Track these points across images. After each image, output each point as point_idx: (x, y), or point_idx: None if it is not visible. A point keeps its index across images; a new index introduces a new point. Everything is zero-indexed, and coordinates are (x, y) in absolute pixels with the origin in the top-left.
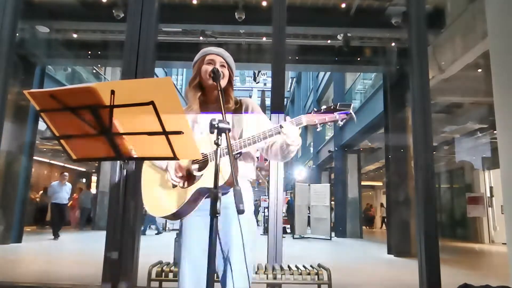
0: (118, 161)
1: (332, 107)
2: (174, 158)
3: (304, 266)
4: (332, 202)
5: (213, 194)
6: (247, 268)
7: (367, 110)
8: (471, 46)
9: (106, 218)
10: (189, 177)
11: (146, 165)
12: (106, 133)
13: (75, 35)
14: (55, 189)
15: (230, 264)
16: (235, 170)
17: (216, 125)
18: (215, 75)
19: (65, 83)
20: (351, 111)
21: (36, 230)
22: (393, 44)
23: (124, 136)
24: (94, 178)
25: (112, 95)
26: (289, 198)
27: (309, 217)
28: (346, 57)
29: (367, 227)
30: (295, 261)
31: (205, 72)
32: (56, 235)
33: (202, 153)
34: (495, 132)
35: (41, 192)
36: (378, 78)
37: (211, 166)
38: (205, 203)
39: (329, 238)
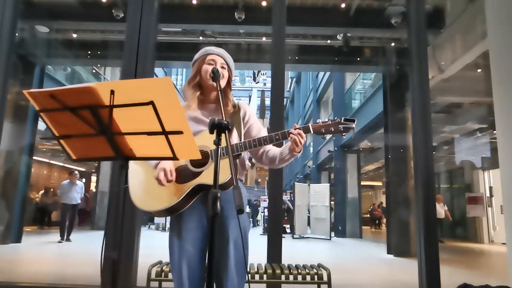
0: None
1: (337, 120)
2: (174, 158)
3: (304, 266)
4: (332, 202)
5: (213, 193)
6: (246, 266)
7: (367, 110)
8: (471, 46)
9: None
10: (187, 173)
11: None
12: (106, 133)
13: (74, 35)
14: (65, 189)
15: (225, 263)
16: (235, 170)
17: (216, 125)
18: (215, 75)
19: (65, 83)
20: (354, 126)
21: (36, 230)
22: (392, 44)
23: (123, 136)
24: (94, 178)
25: (112, 95)
26: (288, 198)
27: (309, 217)
28: (345, 57)
29: (373, 228)
30: (295, 261)
31: (205, 72)
32: (63, 237)
33: (202, 150)
34: (494, 132)
35: (41, 192)
36: (378, 78)
37: (211, 164)
38: (198, 201)
39: (329, 238)
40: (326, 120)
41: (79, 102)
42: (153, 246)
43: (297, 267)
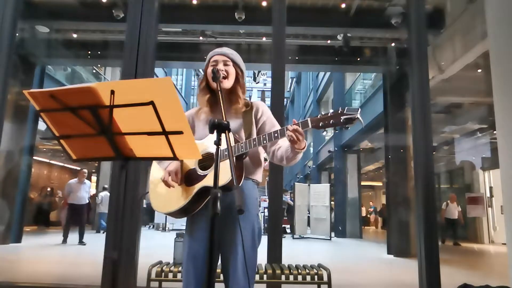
0: (118, 161)
1: (339, 111)
2: (174, 158)
3: (304, 266)
4: (332, 202)
5: (213, 194)
6: (247, 269)
7: (367, 110)
8: (471, 46)
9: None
10: (194, 176)
11: (155, 162)
12: (106, 133)
13: (75, 35)
14: (72, 188)
15: (232, 264)
16: (237, 171)
17: (215, 125)
18: (215, 75)
19: (65, 83)
20: (358, 115)
21: (35, 230)
22: (393, 44)
23: (124, 136)
24: (94, 178)
25: (112, 95)
26: (289, 198)
27: (309, 217)
28: (346, 57)
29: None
30: (295, 261)
31: (209, 74)
32: (65, 239)
33: (208, 153)
34: (494, 132)
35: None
36: (378, 78)
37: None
38: (208, 203)
39: (329, 238)
40: (327, 112)
41: (79, 102)
42: (153, 246)
43: (297, 267)
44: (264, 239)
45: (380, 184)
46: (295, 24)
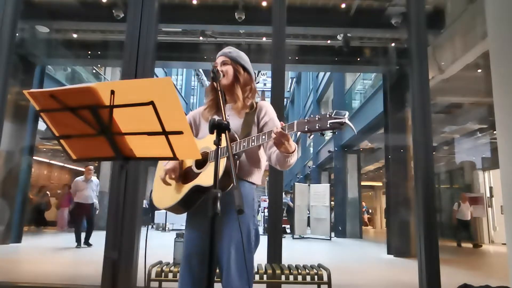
0: (118, 161)
1: (327, 115)
2: (174, 158)
3: (304, 266)
4: (332, 203)
5: (213, 194)
6: (246, 268)
7: (367, 110)
8: (471, 46)
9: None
10: (190, 174)
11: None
12: (106, 133)
13: (75, 35)
14: (79, 186)
15: (226, 265)
16: (235, 171)
17: (215, 125)
18: (214, 75)
19: (65, 83)
20: (346, 120)
21: (32, 230)
22: (393, 44)
23: (124, 136)
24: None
25: (112, 95)
26: (289, 198)
27: (309, 217)
28: (346, 57)
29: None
30: (295, 261)
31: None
32: (79, 241)
33: (204, 152)
34: (494, 132)
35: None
36: (378, 78)
37: (210, 165)
38: (204, 202)
39: (329, 238)
40: (314, 116)
41: (79, 102)
42: (153, 246)
43: (297, 267)
44: (264, 239)
45: (380, 184)
46: (295, 24)
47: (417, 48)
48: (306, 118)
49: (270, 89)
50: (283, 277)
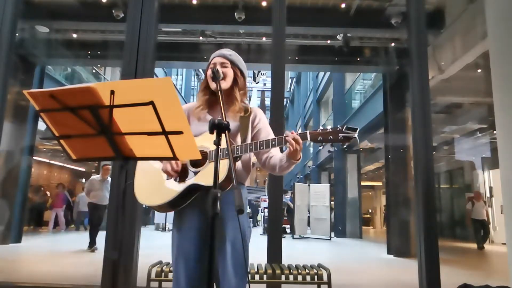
0: (118, 161)
1: (338, 129)
2: (174, 158)
3: (304, 266)
4: (332, 202)
5: (213, 194)
6: (246, 268)
7: (367, 110)
8: (471, 46)
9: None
10: (184, 172)
11: None
12: (106, 133)
13: (75, 35)
14: (95, 186)
15: (222, 264)
16: (228, 172)
17: (216, 125)
18: (214, 75)
19: (65, 83)
20: (356, 135)
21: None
22: (392, 44)
23: (123, 136)
24: None
25: (112, 95)
26: (288, 198)
27: (309, 217)
28: (346, 57)
29: None
30: (295, 261)
31: (208, 76)
32: (93, 243)
33: (202, 151)
34: (494, 132)
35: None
36: (378, 78)
37: (209, 164)
38: (197, 201)
39: (329, 238)
40: (326, 128)
41: (79, 102)
42: (153, 246)
43: (297, 267)
44: (264, 239)
45: (380, 184)
46: (295, 24)
47: (417, 48)
48: (318, 129)
49: (270, 89)
50: (283, 277)
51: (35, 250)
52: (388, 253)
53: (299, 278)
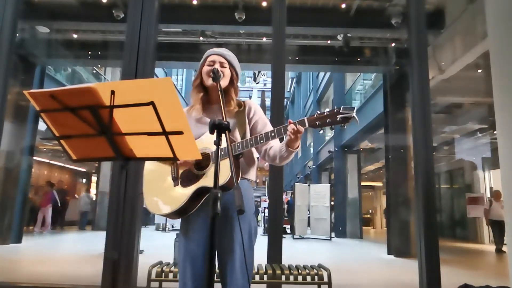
0: (118, 162)
1: (335, 110)
2: (174, 158)
3: (304, 267)
4: (332, 203)
5: (213, 194)
6: (246, 268)
7: (367, 110)
8: (471, 47)
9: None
10: (191, 176)
11: (148, 162)
12: (106, 133)
13: (75, 36)
14: None
15: (230, 264)
16: (236, 170)
17: (216, 125)
18: (215, 75)
19: (65, 83)
20: (354, 114)
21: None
22: (393, 44)
23: (124, 136)
24: (94, 179)
25: (112, 95)
26: (289, 199)
27: (309, 217)
28: (346, 57)
29: None
30: (295, 262)
31: (205, 73)
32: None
33: (204, 153)
34: (495, 132)
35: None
36: (378, 79)
37: (212, 166)
38: (205, 203)
39: (329, 238)
40: (323, 111)
41: (80, 103)
42: (153, 246)
43: (297, 267)
44: (264, 239)
45: (380, 184)
46: (295, 24)
47: (417, 48)
48: (314, 114)
49: (270, 89)
50: (283, 277)
51: (35, 251)
52: (389, 253)
53: (300, 278)
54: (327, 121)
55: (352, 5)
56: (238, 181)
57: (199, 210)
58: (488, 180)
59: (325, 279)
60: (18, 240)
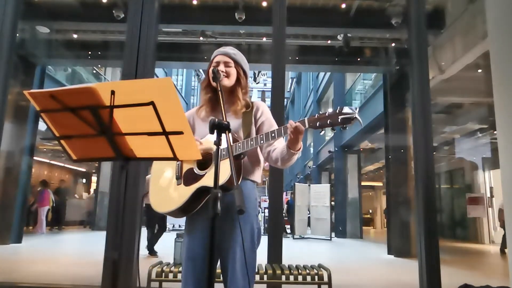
0: (118, 162)
1: (336, 111)
2: (174, 158)
3: (304, 267)
4: (332, 203)
5: (213, 194)
6: (247, 269)
7: (367, 110)
8: (471, 47)
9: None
10: (193, 175)
11: (156, 161)
12: (106, 133)
13: (75, 36)
14: None
15: (231, 265)
16: (236, 171)
17: (215, 125)
18: (215, 75)
19: (65, 83)
20: (356, 115)
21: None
22: (393, 44)
23: (124, 136)
24: (94, 179)
25: (112, 96)
26: (289, 199)
27: (309, 217)
28: (346, 57)
29: None
30: (296, 262)
31: (209, 75)
32: (152, 250)
33: (208, 152)
34: (495, 132)
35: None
36: (378, 79)
37: (214, 165)
38: (207, 203)
39: (329, 238)
40: (324, 112)
41: (80, 103)
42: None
43: (297, 267)
44: (264, 239)
45: (380, 184)
46: (295, 24)
47: (417, 48)
48: (316, 115)
49: (270, 89)
50: (283, 277)
51: (35, 251)
52: (389, 253)
53: (300, 278)
54: (328, 122)
55: (352, 5)
56: (239, 182)
57: (202, 210)
58: (488, 180)
59: (325, 279)
60: (18, 240)
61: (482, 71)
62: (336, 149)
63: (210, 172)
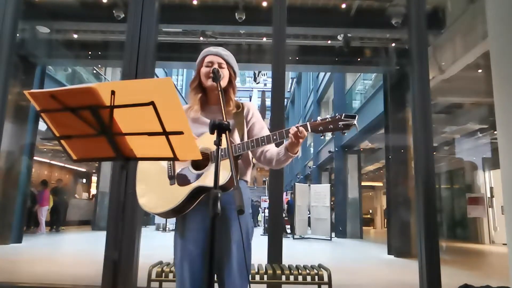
0: (118, 162)
1: (337, 117)
2: (174, 158)
3: (304, 267)
4: (332, 203)
5: (213, 194)
6: (246, 268)
7: (367, 110)
8: (471, 47)
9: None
10: (188, 175)
11: (141, 161)
12: (106, 133)
13: (75, 36)
14: None
15: (228, 264)
16: (236, 171)
17: (216, 125)
18: (215, 75)
19: (66, 83)
20: (355, 122)
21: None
22: (393, 44)
23: (124, 136)
24: (94, 179)
25: (113, 96)
26: (289, 199)
27: (309, 217)
28: (346, 57)
29: None
30: (296, 262)
31: (203, 74)
32: None
33: (204, 153)
34: (495, 132)
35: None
36: (378, 79)
37: (211, 166)
38: (202, 203)
39: (329, 238)
40: (325, 117)
41: (80, 103)
42: (154, 246)
43: (297, 267)
44: (264, 239)
45: (380, 184)
46: (295, 24)
47: (417, 48)
48: (317, 120)
49: (270, 90)
50: (283, 277)
51: (35, 251)
52: (389, 253)
53: (300, 278)
54: (329, 127)
55: (353, 5)
56: (237, 182)
57: (196, 210)
58: (488, 180)
59: (325, 279)
60: (18, 240)
61: (482, 71)
62: (336, 149)
63: (208, 172)
